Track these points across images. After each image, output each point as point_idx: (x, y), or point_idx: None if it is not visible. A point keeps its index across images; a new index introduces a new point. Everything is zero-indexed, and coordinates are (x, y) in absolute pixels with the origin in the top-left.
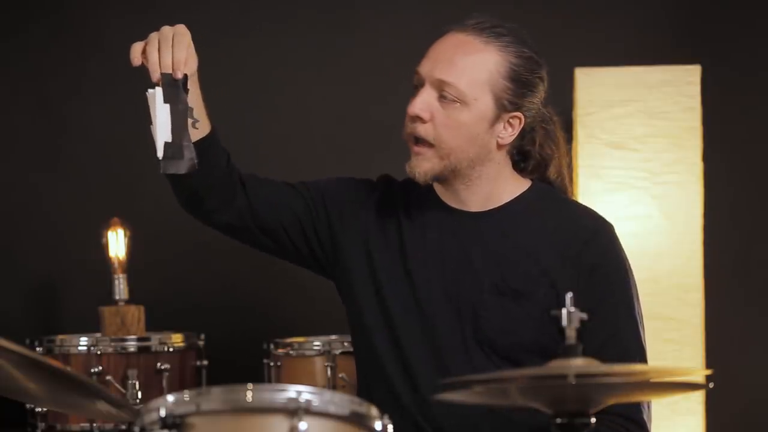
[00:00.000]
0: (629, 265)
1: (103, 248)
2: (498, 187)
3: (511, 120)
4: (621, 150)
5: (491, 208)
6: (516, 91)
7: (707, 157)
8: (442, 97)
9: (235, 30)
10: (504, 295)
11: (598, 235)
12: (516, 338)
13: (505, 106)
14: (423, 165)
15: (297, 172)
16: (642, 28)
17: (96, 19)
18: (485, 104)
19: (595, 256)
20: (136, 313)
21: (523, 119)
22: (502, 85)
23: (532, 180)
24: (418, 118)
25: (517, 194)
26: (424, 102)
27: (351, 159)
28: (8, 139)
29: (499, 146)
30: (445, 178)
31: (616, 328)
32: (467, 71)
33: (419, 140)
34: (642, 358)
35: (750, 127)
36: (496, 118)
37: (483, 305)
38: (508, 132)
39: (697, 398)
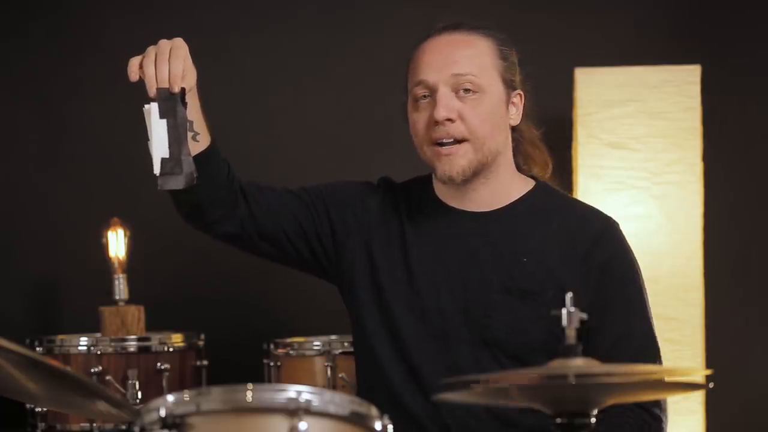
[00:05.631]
0: (636, 261)
1: (103, 248)
2: (506, 185)
3: (514, 99)
4: (621, 150)
5: (496, 208)
6: (510, 69)
7: (707, 157)
8: (461, 94)
9: (235, 31)
10: (512, 295)
11: (606, 234)
12: (525, 338)
13: (509, 85)
14: (460, 162)
15: (297, 173)
16: (642, 28)
17: (96, 19)
18: (498, 88)
19: (604, 254)
20: (136, 313)
21: (523, 95)
22: (502, 66)
23: (535, 180)
24: (447, 121)
25: (522, 194)
26: (447, 104)
27: (352, 159)
28: (8, 139)
29: (511, 128)
30: (476, 173)
31: (630, 324)
32: (474, 61)
33: (447, 143)
34: (656, 352)
35: (750, 127)
36: (508, 100)
37: (492, 306)
38: (515, 112)
39: (697, 398)
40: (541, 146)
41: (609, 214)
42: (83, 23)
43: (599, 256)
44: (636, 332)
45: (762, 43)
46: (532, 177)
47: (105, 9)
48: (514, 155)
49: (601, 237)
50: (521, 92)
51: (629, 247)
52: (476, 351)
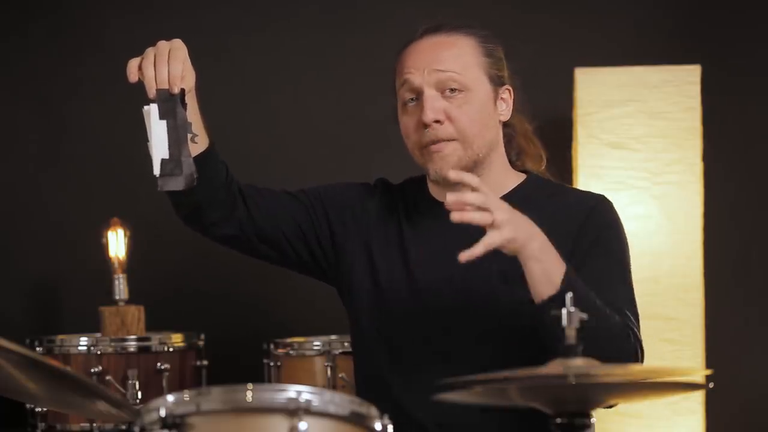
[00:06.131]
0: (625, 235)
1: (103, 248)
2: (499, 180)
3: (503, 95)
4: (621, 150)
5: None
6: (496, 65)
7: (707, 157)
8: (446, 93)
9: (235, 30)
10: (515, 284)
11: (595, 210)
12: (528, 322)
13: (496, 81)
14: (450, 160)
15: (298, 173)
16: (642, 28)
17: (96, 19)
18: (484, 85)
19: (595, 228)
20: (136, 313)
21: (512, 90)
22: (486, 63)
23: (527, 173)
24: (435, 122)
25: (515, 186)
26: (433, 106)
27: (353, 159)
28: (8, 139)
29: (501, 123)
30: (468, 171)
31: (606, 278)
32: (457, 60)
33: (437, 142)
34: (631, 309)
35: (750, 127)
36: (495, 96)
37: (493, 294)
38: (505, 107)
39: (697, 398)
40: (534, 140)
41: (602, 193)
42: (83, 23)
43: (591, 230)
44: (613, 286)
45: (762, 43)
46: (525, 171)
47: (105, 9)
48: (507, 150)
49: (592, 213)
50: (510, 87)
51: (618, 219)
52: (479, 343)
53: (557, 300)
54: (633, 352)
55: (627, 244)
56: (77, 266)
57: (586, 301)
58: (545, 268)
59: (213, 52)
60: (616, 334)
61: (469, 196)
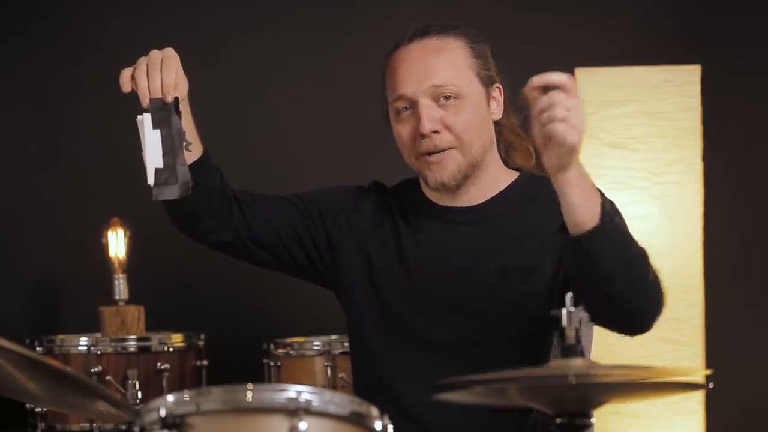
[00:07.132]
0: None
1: (103, 248)
2: (494, 180)
3: (494, 94)
4: (621, 150)
5: (486, 200)
6: (486, 65)
7: (707, 157)
8: (441, 102)
9: (235, 30)
10: (512, 278)
11: None
12: (527, 315)
13: (486, 81)
14: (449, 167)
15: (298, 172)
16: (642, 28)
17: (96, 19)
18: (477, 88)
19: None
20: (136, 313)
21: (502, 88)
22: (477, 65)
23: (520, 171)
24: (433, 133)
25: (508, 183)
26: (430, 116)
27: (352, 159)
28: (8, 139)
29: (494, 122)
30: (466, 176)
31: None
32: (450, 66)
33: (435, 152)
34: None
35: (750, 127)
36: (488, 97)
37: (493, 290)
38: (497, 106)
39: (697, 398)
40: (521, 133)
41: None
42: (83, 23)
43: None
44: None
45: (762, 43)
46: (518, 169)
47: (105, 9)
48: (498, 147)
49: None
50: (500, 85)
51: None
52: (478, 346)
53: (599, 234)
54: (659, 304)
55: None
56: (77, 266)
57: (624, 236)
58: (586, 194)
59: (213, 52)
60: (649, 282)
61: (560, 98)
